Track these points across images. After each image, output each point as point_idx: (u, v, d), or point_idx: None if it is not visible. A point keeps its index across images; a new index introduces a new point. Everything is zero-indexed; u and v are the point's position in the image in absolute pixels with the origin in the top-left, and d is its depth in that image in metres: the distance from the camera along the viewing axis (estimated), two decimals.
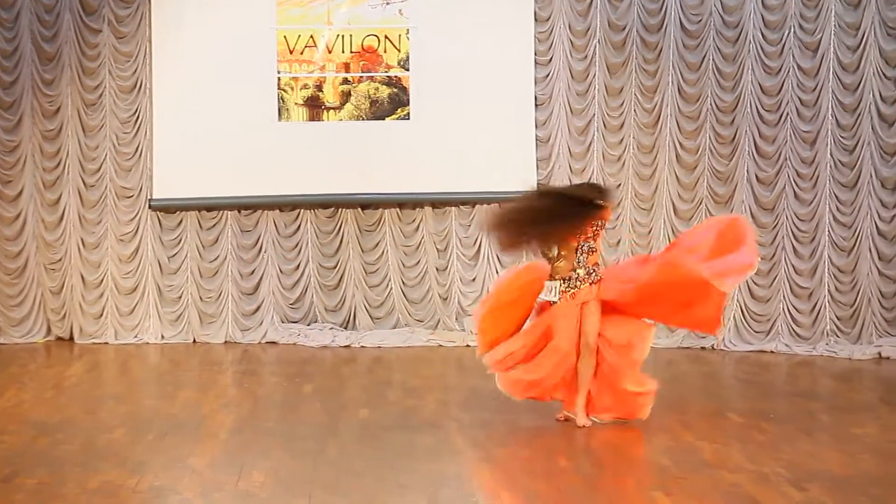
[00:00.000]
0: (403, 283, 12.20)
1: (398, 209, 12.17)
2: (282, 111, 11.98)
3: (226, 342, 12.02)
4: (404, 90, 11.99)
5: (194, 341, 12.03)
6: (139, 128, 11.92)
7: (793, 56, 11.69)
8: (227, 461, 7.34)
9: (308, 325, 12.12)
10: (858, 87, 11.63)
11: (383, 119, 12.03)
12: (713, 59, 11.78)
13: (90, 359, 11.25)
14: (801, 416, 8.80)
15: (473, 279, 12.13)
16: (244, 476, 6.95)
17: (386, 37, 11.96)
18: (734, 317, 11.75)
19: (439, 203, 12.15)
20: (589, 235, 8.25)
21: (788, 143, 11.75)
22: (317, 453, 7.51)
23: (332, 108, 12.03)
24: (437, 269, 12.19)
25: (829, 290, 11.73)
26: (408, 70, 11.98)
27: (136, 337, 12.01)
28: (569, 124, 11.98)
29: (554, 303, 8.25)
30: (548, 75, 11.99)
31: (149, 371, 11.00)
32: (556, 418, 8.39)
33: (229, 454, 7.53)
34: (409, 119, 12.00)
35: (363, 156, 11.94)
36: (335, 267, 12.20)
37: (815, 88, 11.69)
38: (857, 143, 11.66)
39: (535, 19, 11.94)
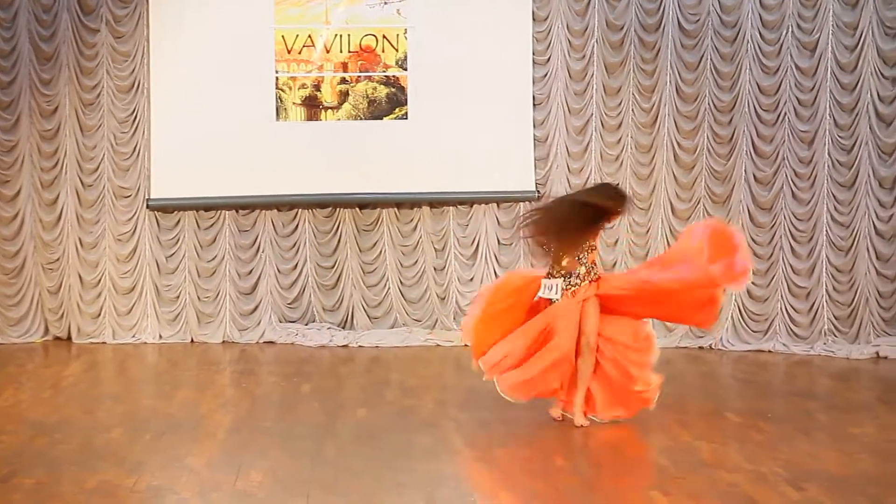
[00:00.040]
0: (401, 282, 12.20)
1: (396, 209, 12.17)
2: (280, 111, 11.97)
3: (223, 342, 12.01)
4: (402, 90, 11.99)
5: (192, 341, 12.03)
6: (137, 127, 11.91)
7: (791, 56, 11.70)
8: (225, 461, 7.34)
9: (306, 324, 12.12)
10: (856, 86, 11.63)
11: (381, 119, 12.03)
12: (711, 59, 11.79)
13: (88, 358, 11.25)
14: (798, 415, 8.80)
15: (471, 279, 12.12)
16: (242, 476, 6.95)
17: (384, 36, 11.96)
18: (732, 316, 11.75)
19: (437, 203, 12.15)
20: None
21: (786, 142, 11.75)
22: (315, 453, 7.52)
23: (330, 108, 12.03)
24: (434, 269, 12.18)
25: (826, 290, 11.73)
26: (406, 70, 11.98)
27: (133, 337, 12.01)
28: (567, 124, 11.98)
29: (553, 301, 8.25)
30: (546, 75, 11.99)
31: (146, 371, 10.99)
32: (554, 418, 8.39)
33: (227, 454, 7.53)
34: (406, 119, 12.00)
35: (361, 155, 11.94)
36: (333, 267, 12.20)
37: (813, 88, 11.69)
38: (855, 142, 11.66)
39: (533, 19, 11.94)
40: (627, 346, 8.26)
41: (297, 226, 12.17)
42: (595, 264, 8.34)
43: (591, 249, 8.32)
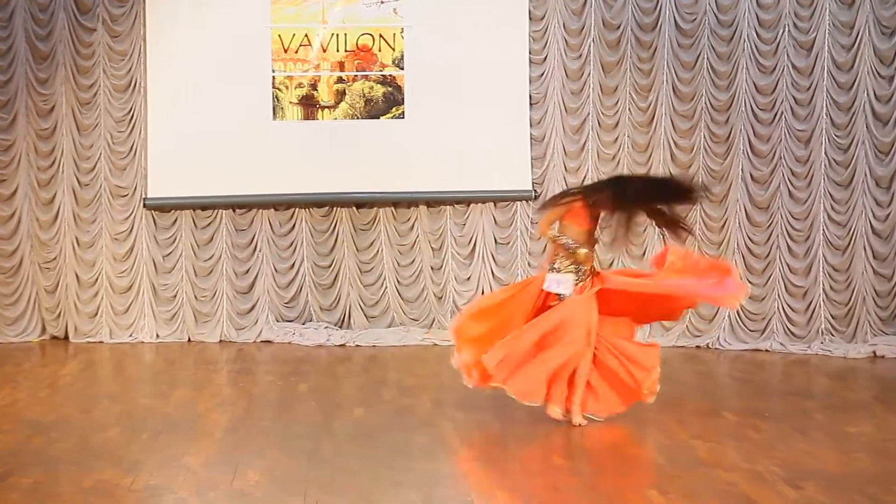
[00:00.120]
0: (398, 281, 12.20)
1: (393, 208, 12.17)
2: (276, 110, 11.97)
3: (221, 341, 12.00)
4: (399, 89, 11.98)
5: (189, 340, 12.02)
6: (133, 126, 11.90)
7: (787, 55, 11.70)
8: (222, 460, 7.34)
9: (303, 323, 12.11)
10: (853, 85, 11.64)
11: (378, 118, 12.03)
12: (708, 58, 11.79)
13: (85, 358, 11.24)
14: (796, 414, 8.80)
15: (468, 278, 12.13)
16: (239, 475, 6.95)
17: (380, 35, 11.96)
18: (729, 315, 11.76)
19: (434, 202, 12.14)
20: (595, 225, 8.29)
21: (783, 141, 11.75)
22: (312, 452, 7.51)
23: (327, 107, 12.02)
24: (431, 268, 12.18)
25: (823, 289, 11.74)
26: (402, 69, 11.97)
27: (130, 336, 12.00)
28: (563, 123, 11.98)
29: (561, 296, 8.17)
30: (542, 74, 11.99)
31: (143, 370, 10.99)
32: (552, 417, 8.37)
33: (224, 453, 7.52)
34: (403, 118, 11.99)
35: (358, 155, 11.94)
36: (330, 266, 12.19)
37: (810, 87, 11.70)
38: (852, 141, 11.67)
39: (530, 18, 11.94)
40: (630, 343, 8.28)
41: (293, 225, 12.17)
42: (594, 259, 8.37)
43: (596, 242, 8.34)
